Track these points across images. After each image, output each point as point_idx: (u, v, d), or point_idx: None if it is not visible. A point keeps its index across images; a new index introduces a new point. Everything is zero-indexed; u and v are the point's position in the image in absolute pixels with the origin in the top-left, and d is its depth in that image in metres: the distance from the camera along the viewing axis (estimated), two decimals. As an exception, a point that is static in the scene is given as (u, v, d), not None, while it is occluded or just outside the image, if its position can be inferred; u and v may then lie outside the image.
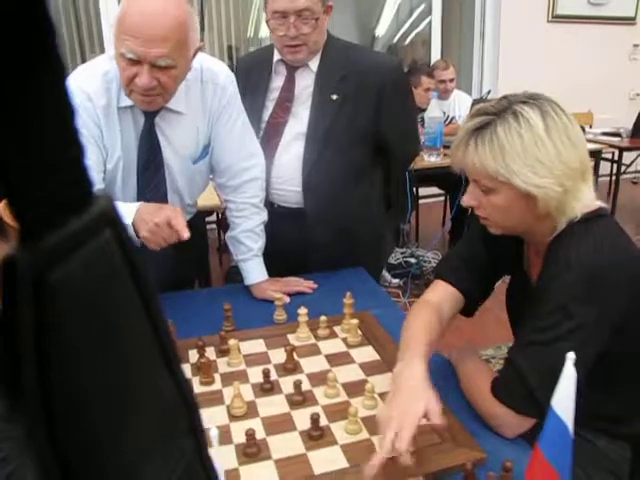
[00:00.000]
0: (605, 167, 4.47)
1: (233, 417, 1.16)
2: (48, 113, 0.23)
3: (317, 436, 1.08)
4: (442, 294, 1.29)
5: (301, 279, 1.71)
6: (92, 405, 0.25)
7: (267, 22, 1.61)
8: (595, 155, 4.30)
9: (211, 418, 1.15)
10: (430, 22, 5.18)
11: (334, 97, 1.65)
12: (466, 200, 1.15)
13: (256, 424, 1.13)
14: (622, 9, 5.58)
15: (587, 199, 1.09)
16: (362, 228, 1.77)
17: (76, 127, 0.24)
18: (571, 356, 0.75)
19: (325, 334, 1.43)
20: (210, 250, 3.03)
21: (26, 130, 0.22)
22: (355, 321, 1.41)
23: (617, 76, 5.58)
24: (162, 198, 1.56)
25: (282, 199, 1.74)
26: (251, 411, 1.17)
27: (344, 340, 1.41)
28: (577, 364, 1.00)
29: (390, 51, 5.39)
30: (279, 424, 1.13)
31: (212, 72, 1.52)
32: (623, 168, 4.54)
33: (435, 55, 5.14)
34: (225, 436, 1.10)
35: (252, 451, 1.05)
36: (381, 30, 5.42)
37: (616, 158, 4.45)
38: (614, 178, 4.46)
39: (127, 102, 1.42)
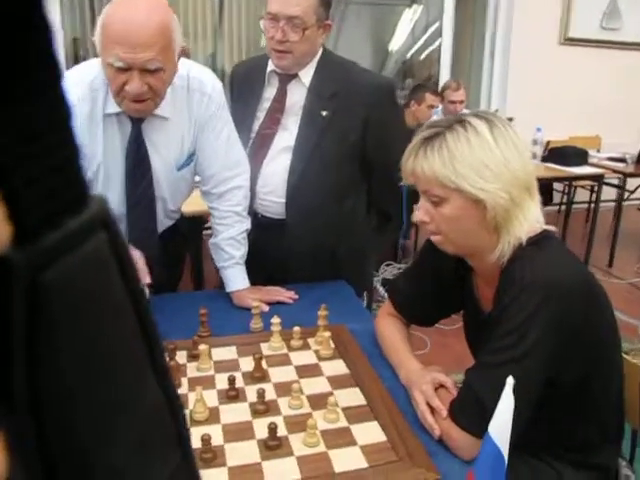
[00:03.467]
0: (610, 193, 4.45)
1: (194, 421, 1.16)
2: (44, 113, 0.22)
3: (274, 446, 1.09)
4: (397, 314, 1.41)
5: (282, 289, 1.72)
6: (81, 407, 0.25)
7: (262, 22, 1.63)
8: (597, 179, 4.29)
9: (173, 422, 1.16)
10: (441, 39, 5.20)
11: (324, 113, 1.66)
12: (417, 215, 1.16)
13: (216, 430, 1.14)
14: (635, 34, 5.58)
15: (533, 216, 1.10)
16: (345, 243, 1.77)
17: (72, 128, 0.24)
18: (510, 381, 0.75)
19: (298, 345, 1.44)
20: (206, 255, 3.05)
21: (22, 130, 0.22)
22: (327, 334, 1.42)
23: (627, 101, 5.57)
24: (150, 204, 1.58)
25: (266, 209, 1.75)
26: (213, 417, 1.18)
27: (316, 352, 1.42)
28: (530, 386, 1.01)
29: (404, 67, 5.42)
30: (239, 432, 1.14)
31: (199, 81, 1.54)
32: (627, 194, 4.51)
33: (444, 72, 5.16)
34: (183, 441, 1.10)
35: (207, 456, 1.06)
36: (395, 45, 5.45)
37: (621, 184, 4.43)
38: (618, 204, 4.44)
39: (113, 109, 1.44)
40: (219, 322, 1.54)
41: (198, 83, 1.54)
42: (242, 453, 1.08)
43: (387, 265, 3.84)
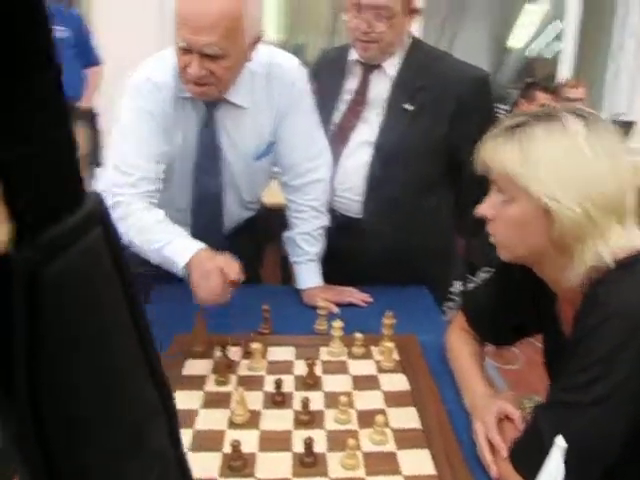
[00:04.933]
0: None
1: (232, 424, 1.10)
2: (42, 112, 0.24)
3: (309, 463, 1.00)
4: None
5: (356, 290, 1.62)
6: (79, 402, 0.26)
7: (345, 12, 1.54)
8: None
9: (211, 421, 1.11)
10: (563, 36, 4.79)
11: (409, 107, 1.53)
12: (482, 209, 1.02)
13: (253, 436, 1.07)
14: None
15: (618, 243, 0.91)
16: (427, 247, 1.64)
17: (70, 126, 0.25)
18: (560, 443, 0.61)
19: (359, 353, 1.34)
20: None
21: (21, 129, 0.23)
22: (390, 344, 1.30)
23: None
24: (217, 191, 1.54)
25: (342, 207, 1.65)
26: (253, 421, 1.11)
27: (377, 363, 1.31)
28: (610, 434, 0.85)
29: (524, 65, 5.07)
30: (276, 441, 1.06)
31: (281, 68, 1.48)
32: None
33: (564, 70, 4.74)
34: (216, 442, 1.05)
35: (236, 465, 0.99)
36: (514, 41, 5.12)
37: None
38: None
39: (189, 92, 1.41)
40: (283, 320, 1.47)
41: (280, 69, 1.48)
42: (274, 466, 1.00)
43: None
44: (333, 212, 1.65)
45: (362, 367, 1.30)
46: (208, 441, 1.06)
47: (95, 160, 1.45)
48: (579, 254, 0.91)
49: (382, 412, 1.12)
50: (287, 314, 1.52)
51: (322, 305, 1.46)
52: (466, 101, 1.52)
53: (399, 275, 1.63)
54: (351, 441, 0.99)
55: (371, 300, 1.60)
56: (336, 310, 1.54)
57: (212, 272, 1.28)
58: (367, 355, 1.34)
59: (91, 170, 1.43)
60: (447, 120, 1.53)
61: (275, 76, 1.47)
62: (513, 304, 1.16)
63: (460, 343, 1.27)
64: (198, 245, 1.36)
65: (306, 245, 1.59)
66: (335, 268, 1.70)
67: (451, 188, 1.66)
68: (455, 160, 1.54)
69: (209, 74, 1.30)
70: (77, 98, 3.30)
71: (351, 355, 1.34)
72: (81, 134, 1.04)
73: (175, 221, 1.60)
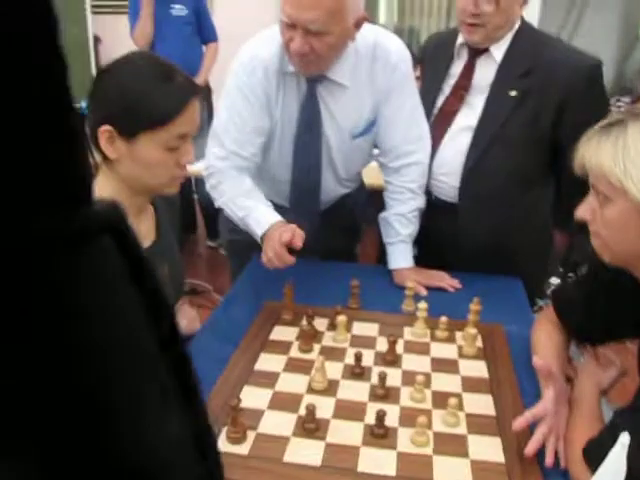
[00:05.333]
0: None
1: (311, 389, 1.16)
2: (43, 110, 0.23)
3: (379, 435, 1.04)
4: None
5: (446, 275, 1.62)
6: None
7: None
8: None
9: (291, 384, 1.17)
10: None
11: (513, 93, 1.49)
12: (580, 211, 0.99)
13: (329, 403, 1.12)
14: None
15: None
16: (524, 237, 1.60)
17: (76, 128, 0.25)
18: (625, 441, 0.60)
19: (442, 336, 1.35)
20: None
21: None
22: (474, 330, 1.30)
23: None
24: (315, 165, 1.59)
25: (439, 191, 1.64)
26: (331, 389, 1.16)
27: (459, 348, 1.31)
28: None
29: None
30: (350, 410, 1.11)
31: (385, 49, 1.49)
32: None
33: None
34: (293, 404, 1.11)
35: (310, 427, 1.05)
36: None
37: None
38: None
39: (292, 67, 1.46)
40: (371, 297, 1.50)
41: (384, 51, 1.49)
42: (345, 433, 1.05)
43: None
44: (429, 195, 1.65)
45: (443, 350, 1.31)
46: (286, 402, 1.12)
47: (206, 134, 1.54)
48: None
49: (457, 395, 1.13)
50: (377, 292, 1.55)
51: (410, 286, 1.47)
52: (575, 90, 1.45)
53: (492, 265, 1.60)
54: (422, 419, 1.01)
55: (460, 286, 1.59)
56: (424, 292, 1.55)
57: (273, 239, 1.36)
58: (450, 339, 1.35)
59: (202, 143, 1.52)
60: (553, 109, 1.47)
61: (379, 57, 1.49)
62: (606, 303, 1.13)
63: (545, 335, 1.24)
64: (275, 218, 1.44)
65: (399, 226, 1.61)
66: (428, 251, 1.71)
67: (552, 183, 1.60)
68: (559, 153, 1.49)
69: (311, 50, 1.33)
70: (194, 73, 3.47)
71: (434, 338, 1.35)
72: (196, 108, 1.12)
73: (275, 193, 1.68)
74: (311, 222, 1.61)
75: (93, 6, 3.93)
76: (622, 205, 0.90)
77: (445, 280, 1.60)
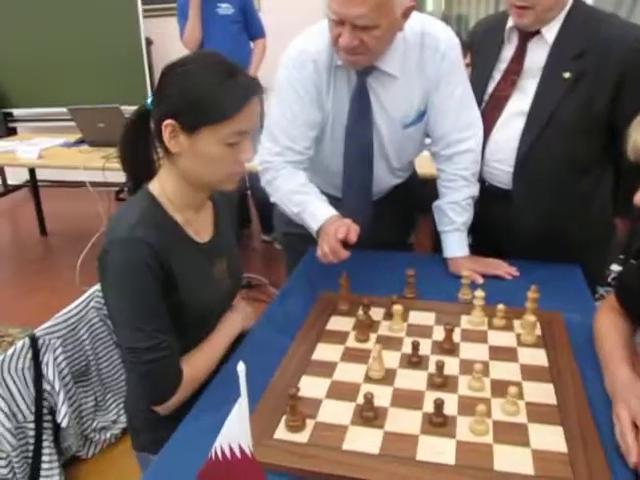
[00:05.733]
0: None
1: (369, 378, 1.17)
2: None
3: (438, 423, 1.03)
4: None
5: (503, 263, 1.59)
6: None
7: None
8: None
9: (349, 373, 1.18)
10: None
11: (566, 75, 1.44)
12: (638, 199, 0.94)
13: (386, 392, 1.13)
14: None
15: None
16: (579, 228, 1.55)
17: None
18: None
19: (500, 324, 1.33)
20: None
21: None
22: (533, 318, 1.27)
23: None
24: (367, 157, 1.60)
25: (493, 177, 1.61)
26: (388, 378, 1.17)
27: (518, 336, 1.29)
28: None
29: None
30: (408, 399, 1.11)
31: (433, 37, 1.47)
32: None
33: None
34: (351, 393, 1.12)
35: (368, 415, 1.05)
36: None
37: None
38: None
39: (341, 61, 1.47)
40: (427, 286, 1.50)
41: (432, 39, 1.48)
42: (403, 421, 1.05)
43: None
44: (483, 182, 1.63)
45: (501, 338, 1.29)
46: (344, 391, 1.13)
47: (259, 130, 1.58)
48: None
49: (517, 384, 1.11)
50: (433, 281, 1.54)
51: (466, 274, 1.46)
52: (634, 67, 1.40)
53: (550, 253, 1.57)
54: (481, 407, 1.01)
55: (518, 274, 1.56)
56: (480, 280, 1.53)
57: (328, 233, 1.38)
58: (508, 327, 1.33)
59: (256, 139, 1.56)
60: (610, 90, 1.42)
61: (428, 45, 1.48)
62: None
63: (608, 323, 1.21)
64: (330, 212, 1.47)
65: (454, 214, 1.59)
66: (484, 239, 1.69)
67: (610, 168, 1.55)
68: (615, 136, 1.43)
69: (360, 44, 1.34)
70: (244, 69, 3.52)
71: (491, 326, 1.33)
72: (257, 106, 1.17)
73: (328, 184, 1.69)
74: (364, 213, 1.62)
75: (145, 10, 4.04)
76: None
77: (502, 268, 1.58)
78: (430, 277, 1.55)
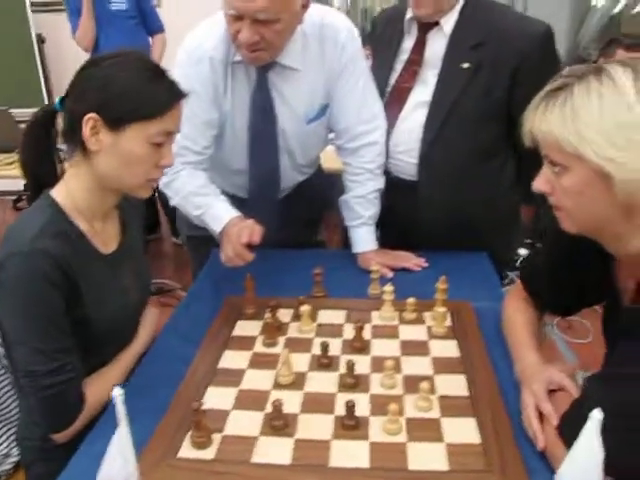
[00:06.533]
0: None
1: (277, 384, 1.11)
2: None
3: (349, 426, 0.99)
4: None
5: (412, 255, 1.58)
6: None
7: None
8: None
9: (257, 380, 1.13)
10: None
11: (465, 65, 1.45)
12: (537, 184, 0.94)
13: (296, 397, 1.08)
14: None
15: None
16: (487, 211, 1.57)
17: None
18: (597, 416, 0.56)
19: (411, 318, 1.31)
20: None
21: None
22: (442, 309, 1.27)
23: None
24: (272, 154, 1.54)
25: (398, 169, 1.60)
26: (298, 383, 1.12)
27: (429, 329, 1.28)
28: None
29: (610, 23, 4.69)
30: (319, 403, 1.06)
31: (333, 28, 1.44)
32: None
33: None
34: (259, 402, 1.06)
35: (277, 424, 1.00)
36: (600, -1, 4.72)
37: None
38: None
39: (240, 57, 1.40)
40: (337, 284, 1.46)
41: (332, 31, 1.44)
42: (315, 427, 1.00)
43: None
44: (389, 175, 1.61)
45: (413, 332, 1.27)
46: (252, 400, 1.07)
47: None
48: None
49: (429, 378, 1.10)
50: (342, 278, 1.51)
51: (375, 269, 1.43)
52: (529, 57, 1.42)
53: (459, 241, 1.57)
54: (393, 406, 0.97)
55: (426, 265, 1.56)
56: (390, 274, 1.51)
57: (231, 237, 1.35)
58: (419, 320, 1.31)
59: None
60: (507, 79, 1.44)
61: (327, 37, 1.44)
62: (569, 269, 1.10)
63: (516, 311, 1.22)
64: (232, 213, 1.43)
65: (360, 208, 1.57)
66: (392, 232, 1.68)
67: (514, 155, 1.57)
68: (515, 123, 1.45)
69: (261, 39, 1.28)
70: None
71: (403, 320, 1.31)
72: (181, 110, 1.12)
73: (231, 184, 1.62)
74: (270, 211, 1.57)
75: (33, 4, 3.78)
76: (580, 171, 0.86)
77: (411, 260, 1.57)
78: (339, 274, 1.51)
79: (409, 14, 1.54)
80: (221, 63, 1.42)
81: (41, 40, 4.03)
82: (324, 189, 1.84)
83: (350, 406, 0.99)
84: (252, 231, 1.33)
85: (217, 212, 1.44)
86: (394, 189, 1.60)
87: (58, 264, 1.01)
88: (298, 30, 1.39)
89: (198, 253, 1.75)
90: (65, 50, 3.59)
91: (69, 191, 1.09)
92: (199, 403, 0.97)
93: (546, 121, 0.87)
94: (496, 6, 1.53)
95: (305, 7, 1.34)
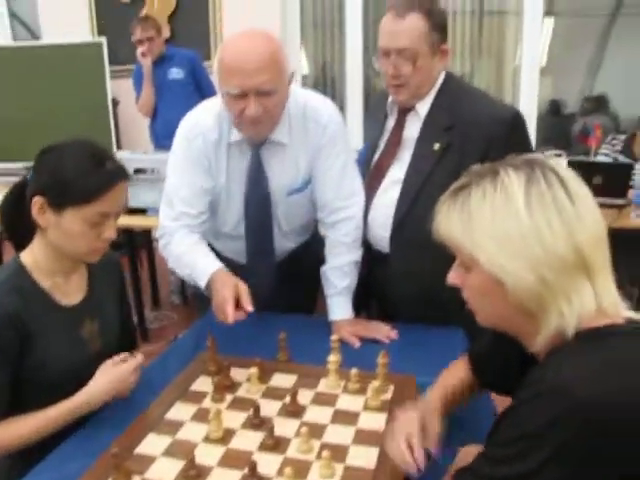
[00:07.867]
0: None
1: (207, 439, 1.23)
2: None
3: (251, 483, 1.09)
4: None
5: (384, 326, 1.65)
6: None
7: (374, 59, 1.61)
8: None
9: (191, 433, 1.25)
10: None
11: (436, 146, 1.56)
12: (451, 278, 1.00)
13: (219, 452, 1.18)
14: None
15: (589, 303, 0.84)
16: (453, 290, 1.62)
17: None
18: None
19: (354, 388, 1.39)
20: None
21: None
22: (376, 383, 1.34)
23: None
24: (266, 224, 1.69)
25: (375, 242, 1.71)
26: (226, 438, 1.22)
27: (366, 400, 1.35)
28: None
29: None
30: (235, 459, 1.16)
31: (316, 110, 1.59)
32: None
33: None
34: (184, 452, 1.17)
35: (190, 474, 1.11)
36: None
37: None
38: None
39: (236, 137, 1.58)
40: (303, 349, 1.56)
41: (314, 112, 1.59)
42: (222, 480, 1.11)
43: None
44: (368, 247, 1.71)
45: (350, 402, 1.35)
46: (179, 449, 1.19)
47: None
48: (544, 321, 0.87)
49: (344, 448, 1.17)
50: (309, 344, 1.60)
51: (334, 339, 1.51)
52: (497, 141, 1.50)
53: (431, 314, 1.63)
54: (288, 470, 1.06)
55: (395, 337, 1.62)
56: (357, 344, 1.60)
57: (226, 300, 1.44)
58: (361, 391, 1.38)
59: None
60: (477, 160, 1.52)
61: (310, 117, 1.60)
62: (510, 354, 1.12)
63: (455, 364, 1.25)
64: (214, 267, 1.53)
65: (336, 279, 1.67)
66: (371, 301, 1.77)
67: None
68: None
69: (264, 112, 1.45)
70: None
71: (346, 389, 1.39)
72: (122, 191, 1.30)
73: (229, 250, 1.78)
74: (268, 276, 1.71)
75: (112, 72, 4.27)
76: (479, 274, 0.89)
77: (381, 331, 1.64)
78: (308, 339, 1.61)
79: (391, 98, 1.67)
80: (215, 142, 1.60)
81: (115, 103, 4.52)
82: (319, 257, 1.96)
83: (252, 466, 1.09)
84: (240, 293, 1.44)
85: (202, 267, 1.56)
86: (373, 260, 1.70)
87: (9, 317, 1.21)
88: (285, 109, 1.56)
89: (203, 311, 1.90)
90: (136, 112, 4.00)
91: (33, 253, 1.30)
92: (117, 449, 1.10)
93: (446, 223, 0.92)
94: (470, 91, 1.64)
95: (290, 82, 1.51)
